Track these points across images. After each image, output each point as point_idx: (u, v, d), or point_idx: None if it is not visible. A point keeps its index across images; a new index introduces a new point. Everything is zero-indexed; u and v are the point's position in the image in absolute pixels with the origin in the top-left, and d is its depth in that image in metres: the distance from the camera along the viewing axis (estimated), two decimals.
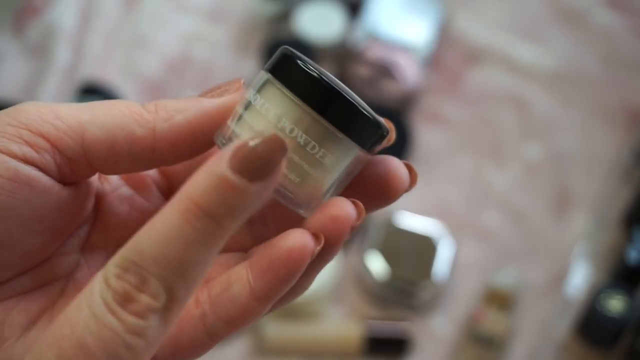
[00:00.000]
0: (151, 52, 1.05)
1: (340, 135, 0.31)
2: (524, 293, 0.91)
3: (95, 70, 1.02)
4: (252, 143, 0.27)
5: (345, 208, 0.31)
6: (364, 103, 0.32)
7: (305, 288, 0.34)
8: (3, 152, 0.30)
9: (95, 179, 0.35)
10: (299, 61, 0.31)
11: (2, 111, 0.31)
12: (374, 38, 1.03)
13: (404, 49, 1.02)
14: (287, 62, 0.31)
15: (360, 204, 0.31)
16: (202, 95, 0.33)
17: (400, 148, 0.97)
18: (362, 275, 0.91)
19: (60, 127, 0.31)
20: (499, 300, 0.88)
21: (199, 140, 0.32)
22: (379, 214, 0.94)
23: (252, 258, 0.31)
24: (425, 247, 0.91)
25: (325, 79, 0.31)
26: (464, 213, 0.96)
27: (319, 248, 0.30)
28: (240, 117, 0.32)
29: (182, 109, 0.32)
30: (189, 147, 0.32)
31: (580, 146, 1.01)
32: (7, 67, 1.02)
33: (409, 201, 0.96)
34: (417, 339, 0.89)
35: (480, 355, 0.87)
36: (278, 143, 0.28)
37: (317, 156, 0.31)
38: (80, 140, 0.31)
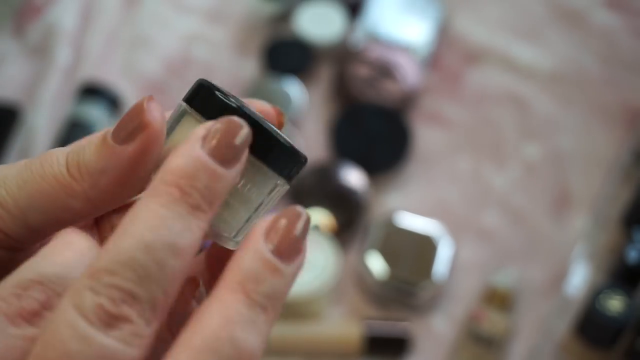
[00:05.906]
0: (151, 52, 1.05)
1: (259, 164, 0.31)
2: (523, 293, 0.91)
3: (95, 70, 1.02)
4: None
5: None
6: (281, 133, 0.32)
7: None
8: None
9: None
10: (216, 92, 0.31)
11: None
12: (374, 38, 1.03)
13: (404, 49, 1.02)
14: (204, 93, 0.31)
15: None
16: (113, 137, 0.31)
17: (400, 148, 0.97)
18: (362, 275, 0.91)
19: (5, 217, 0.31)
20: (499, 300, 0.89)
21: (134, 186, 0.32)
22: (379, 214, 0.94)
23: None
24: (425, 247, 0.91)
25: (245, 109, 0.31)
26: (463, 213, 0.96)
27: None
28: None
29: (102, 168, 0.31)
30: (128, 194, 0.32)
31: (579, 146, 1.01)
32: (7, 67, 1.02)
33: (409, 201, 0.97)
34: (417, 339, 0.89)
35: (480, 355, 0.87)
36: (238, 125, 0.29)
37: (238, 186, 0.31)
38: (25, 226, 0.32)
